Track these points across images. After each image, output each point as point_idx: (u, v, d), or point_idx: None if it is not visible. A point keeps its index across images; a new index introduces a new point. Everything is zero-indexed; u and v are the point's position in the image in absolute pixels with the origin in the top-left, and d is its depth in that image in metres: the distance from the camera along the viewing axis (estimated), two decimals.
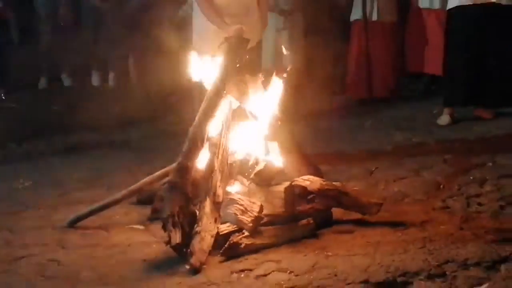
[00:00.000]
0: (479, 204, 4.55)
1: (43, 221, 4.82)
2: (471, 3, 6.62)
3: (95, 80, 10.32)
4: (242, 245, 3.89)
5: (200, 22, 5.66)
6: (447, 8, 7.00)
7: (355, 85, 8.54)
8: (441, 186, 4.96)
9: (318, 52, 8.65)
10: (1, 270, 3.97)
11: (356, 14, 8.37)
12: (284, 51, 6.33)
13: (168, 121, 7.91)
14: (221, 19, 5.42)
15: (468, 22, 6.73)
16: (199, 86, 4.86)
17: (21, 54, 10.37)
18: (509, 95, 6.85)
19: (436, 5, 7.77)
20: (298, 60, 8.48)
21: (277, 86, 4.58)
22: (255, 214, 3.96)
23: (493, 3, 6.57)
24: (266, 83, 4.62)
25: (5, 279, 3.83)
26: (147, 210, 4.75)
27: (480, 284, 3.37)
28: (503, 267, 3.51)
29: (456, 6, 6.75)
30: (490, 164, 5.37)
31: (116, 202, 4.74)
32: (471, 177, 5.10)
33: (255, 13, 5.81)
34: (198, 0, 5.53)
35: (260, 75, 4.73)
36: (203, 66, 4.85)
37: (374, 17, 8.28)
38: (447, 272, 3.48)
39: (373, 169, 5.51)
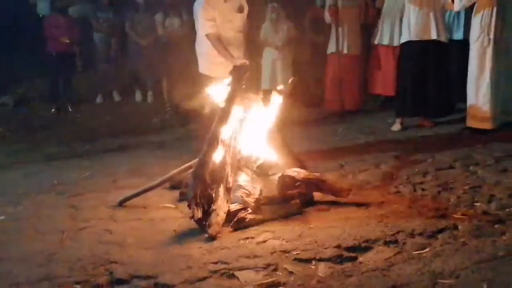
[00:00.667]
0: (423, 189, 4.58)
1: (99, 201, 4.82)
2: (418, 39, 6.59)
3: (137, 97, 10.24)
4: (247, 220, 3.96)
5: (208, 53, 5.62)
6: (400, 43, 6.96)
7: (331, 101, 8.52)
8: (394, 176, 4.96)
9: (303, 76, 8.77)
10: (68, 238, 4.00)
11: (331, 48, 8.33)
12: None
13: (191, 127, 7.89)
14: (230, 53, 5.40)
15: (415, 53, 6.68)
16: (213, 102, 4.83)
17: (84, 78, 10.49)
18: (444, 108, 6.87)
19: (394, 43, 7.75)
20: (288, 82, 8.60)
21: (273, 101, 4.58)
22: (257, 196, 4.06)
23: (434, 40, 6.57)
24: (265, 99, 4.63)
25: (72, 243, 3.89)
26: (176, 193, 4.74)
27: (423, 249, 3.42)
28: (440, 236, 3.59)
29: (407, 41, 6.71)
30: (430, 160, 5.36)
31: (153, 187, 4.73)
32: (416, 169, 5.11)
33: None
34: (211, 40, 5.47)
35: (260, 93, 4.75)
36: (215, 87, 4.84)
37: (345, 51, 8.24)
38: (398, 240, 3.55)
39: (343, 164, 5.49)
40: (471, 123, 6.24)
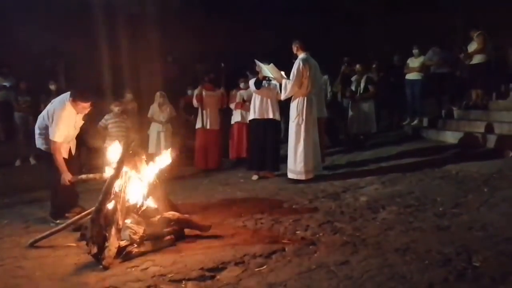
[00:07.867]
0: (261, 223, 4.60)
1: (14, 243, 4.32)
2: (260, 117, 6.84)
3: None
4: (133, 252, 3.79)
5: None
6: (249, 120, 7.18)
7: (198, 162, 8.45)
8: (242, 214, 4.94)
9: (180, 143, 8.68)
10: None
11: (198, 124, 8.33)
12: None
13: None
14: (64, 166, 4.95)
15: (258, 126, 6.89)
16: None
17: (6, 146, 9.71)
18: (278, 164, 6.97)
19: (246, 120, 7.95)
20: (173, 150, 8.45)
21: (157, 162, 4.41)
22: (141, 234, 3.88)
23: (271, 118, 6.84)
24: (149, 161, 4.44)
25: None
26: (78, 235, 4.37)
27: (262, 266, 3.43)
28: (273, 256, 3.63)
29: (253, 118, 6.94)
30: (267, 202, 5.35)
31: (59, 231, 4.35)
32: (257, 209, 5.09)
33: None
34: (56, 147, 4.93)
35: (144, 156, 4.49)
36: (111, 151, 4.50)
37: (208, 126, 8.29)
38: (245, 261, 3.56)
39: (207, 207, 5.38)
40: (292, 176, 6.39)
